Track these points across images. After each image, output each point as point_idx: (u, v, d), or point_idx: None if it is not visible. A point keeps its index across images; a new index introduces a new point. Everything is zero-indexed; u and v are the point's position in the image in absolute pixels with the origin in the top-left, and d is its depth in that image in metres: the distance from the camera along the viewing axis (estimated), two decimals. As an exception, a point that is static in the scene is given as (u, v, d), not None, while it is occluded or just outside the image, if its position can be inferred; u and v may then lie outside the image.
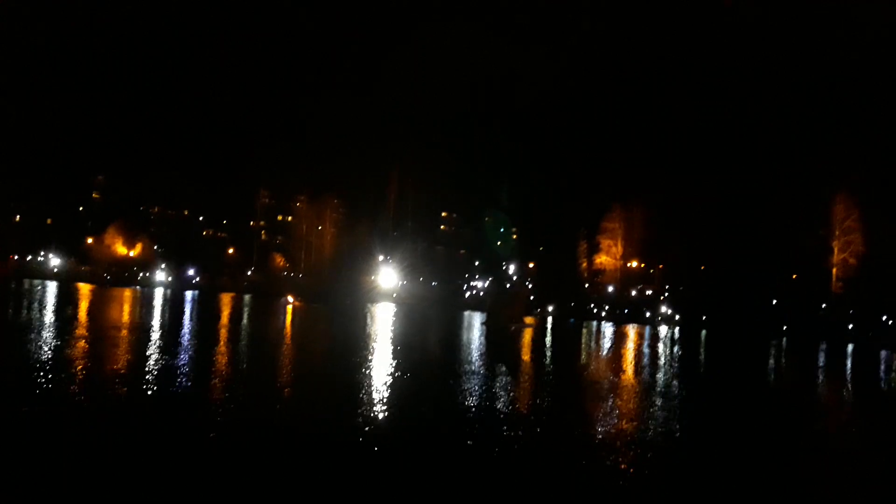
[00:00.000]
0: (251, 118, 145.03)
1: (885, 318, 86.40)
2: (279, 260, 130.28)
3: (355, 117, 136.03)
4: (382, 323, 66.24)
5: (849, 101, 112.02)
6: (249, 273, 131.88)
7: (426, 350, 44.15)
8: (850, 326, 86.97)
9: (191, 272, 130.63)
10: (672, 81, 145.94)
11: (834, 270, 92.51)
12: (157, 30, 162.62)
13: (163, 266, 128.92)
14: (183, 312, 63.53)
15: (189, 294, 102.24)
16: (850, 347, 73.95)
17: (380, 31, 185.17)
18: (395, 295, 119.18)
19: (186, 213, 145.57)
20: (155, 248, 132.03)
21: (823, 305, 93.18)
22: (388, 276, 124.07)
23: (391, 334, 53.13)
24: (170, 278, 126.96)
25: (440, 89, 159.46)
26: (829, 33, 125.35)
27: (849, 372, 50.55)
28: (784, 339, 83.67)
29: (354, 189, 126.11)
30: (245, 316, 66.56)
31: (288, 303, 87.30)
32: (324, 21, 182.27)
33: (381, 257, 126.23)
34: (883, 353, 67.48)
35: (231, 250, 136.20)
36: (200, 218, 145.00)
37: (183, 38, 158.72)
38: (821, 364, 54.71)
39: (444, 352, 43.41)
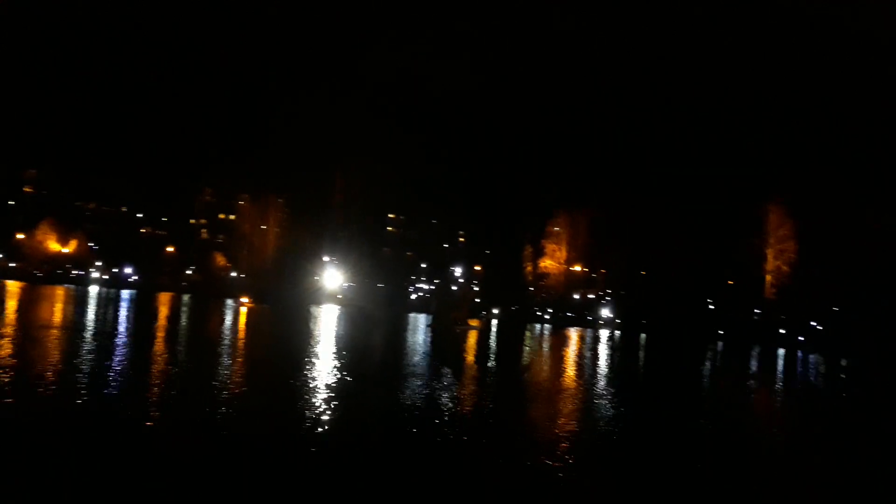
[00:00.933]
0: (194, 114, 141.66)
1: (814, 324, 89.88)
2: (220, 259, 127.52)
3: (301, 115, 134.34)
4: (327, 325, 65.48)
5: (785, 114, 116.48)
6: (189, 272, 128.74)
7: (372, 353, 43.81)
8: (782, 331, 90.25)
9: (128, 270, 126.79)
10: (615, 91, 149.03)
11: (768, 277, 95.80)
12: (98, 21, 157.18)
13: (98, 264, 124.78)
14: (120, 313, 61.45)
15: (126, 293, 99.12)
16: (780, 351, 76.66)
17: (327, 33, 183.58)
18: (339, 296, 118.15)
19: (124, 209, 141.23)
20: (90, 245, 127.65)
21: (757, 311, 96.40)
22: (332, 277, 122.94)
23: (336, 336, 52.52)
24: (105, 277, 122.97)
25: (388, 91, 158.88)
26: (765, 48, 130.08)
27: (779, 375, 52.29)
28: (719, 342, 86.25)
29: (299, 189, 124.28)
30: (199, 319, 64.74)
31: (241, 304, 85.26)
32: (270, 20, 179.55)
33: (325, 258, 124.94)
34: (812, 358, 70.16)
35: (170, 249, 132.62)
36: (139, 215, 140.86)
37: (124, 31, 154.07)
38: (752, 368, 56.51)
39: (390, 354, 43.14)
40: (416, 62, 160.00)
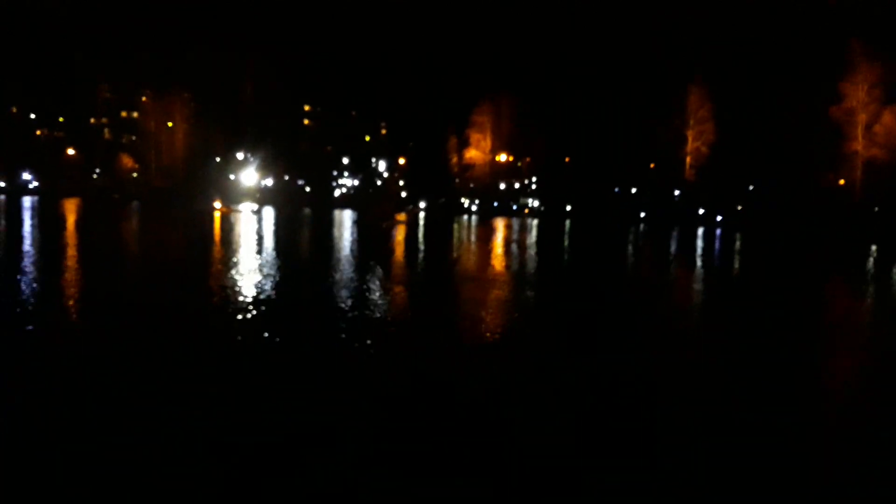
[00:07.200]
0: (86, 3, 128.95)
1: (738, 206, 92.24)
2: (126, 161, 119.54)
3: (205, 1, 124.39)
4: (247, 225, 62.84)
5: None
6: (95, 176, 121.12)
7: (296, 252, 42.18)
8: (701, 212, 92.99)
9: (26, 176, 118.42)
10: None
11: (688, 159, 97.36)
12: None
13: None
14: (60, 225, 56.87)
15: (28, 201, 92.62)
16: (700, 231, 79.13)
17: None
18: (257, 196, 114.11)
19: (15, 110, 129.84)
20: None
21: (677, 192, 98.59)
22: (249, 175, 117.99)
23: (258, 237, 50.30)
24: (1, 184, 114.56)
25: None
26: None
27: (699, 252, 53.66)
28: (641, 225, 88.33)
29: (206, 82, 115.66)
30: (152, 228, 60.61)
31: (215, 209, 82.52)
32: None
33: (240, 156, 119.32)
34: (729, 236, 72.58)
35: (71, 151, 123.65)
36: (32, 116, 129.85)
37: None
38: (672, 247, 57.93)
39: (315, 252, 41.70)
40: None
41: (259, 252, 37.94)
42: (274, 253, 38.47)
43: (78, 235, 46.88)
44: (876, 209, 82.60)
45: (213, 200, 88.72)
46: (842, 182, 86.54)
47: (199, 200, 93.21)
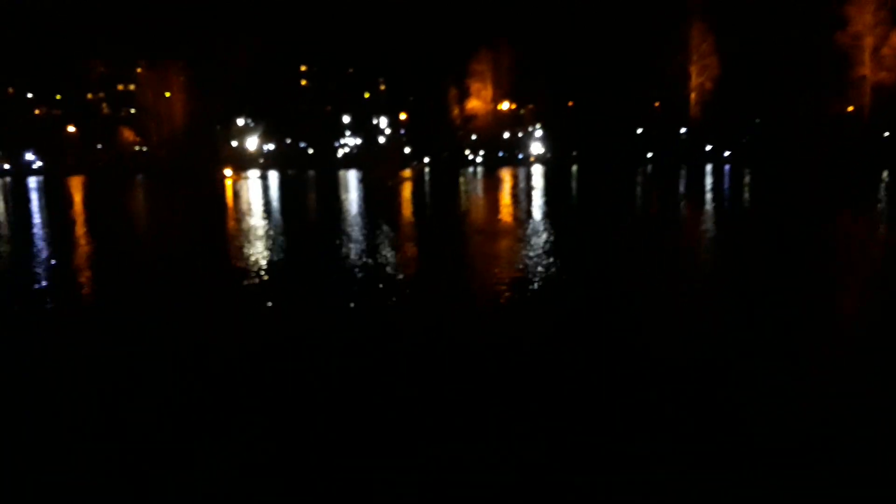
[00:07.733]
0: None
1: (744, 140, 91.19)
2: (128, 134, 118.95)
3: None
4: (259, 190, 62.87)
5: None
6: (99, 151, 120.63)
7: (307, 214, 42.33)
8: (708, 148, 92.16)
9: (29, 156, 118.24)
10: None
11: (692, 95, 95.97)
12: None
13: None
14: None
15: (34, 181, 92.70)
16: (708, 168, 78.54)
17: None
18: (261, 161, 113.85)
19: (11, 90, 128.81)
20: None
21: (683, 130, 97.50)
22: (251, 141, 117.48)
23: (264, 200, 50.35)
24: (6, 166, 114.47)
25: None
26: None
27: (708, 189, 53.37)
28: (649, 165, 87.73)
29: (200, 49, 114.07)
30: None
31: (226, 177, 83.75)
32: None
33: (240, 122, 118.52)
34: (737, 172, 71.91)
35: (71, 128, 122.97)
36: (29, 95, 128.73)
37: None
38: (680, 185, 57.61)
39: (325, 213, 41.81)
40: None
41: (290, 215, 38.52)
42: (299, 215, 39.12)
43: (117, 215, 46.70)
44: (886, 134, 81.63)
45: (224, 168, 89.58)
46: (850, 109, 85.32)
47: (207, 169, 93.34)
